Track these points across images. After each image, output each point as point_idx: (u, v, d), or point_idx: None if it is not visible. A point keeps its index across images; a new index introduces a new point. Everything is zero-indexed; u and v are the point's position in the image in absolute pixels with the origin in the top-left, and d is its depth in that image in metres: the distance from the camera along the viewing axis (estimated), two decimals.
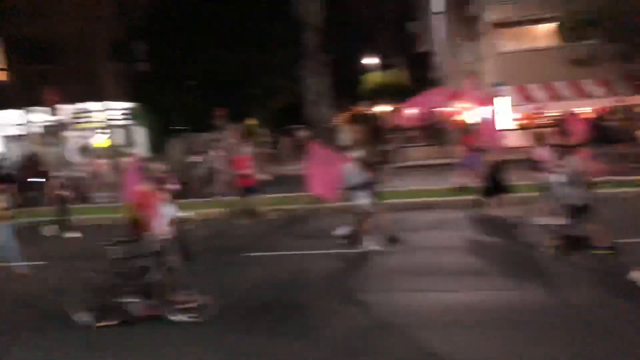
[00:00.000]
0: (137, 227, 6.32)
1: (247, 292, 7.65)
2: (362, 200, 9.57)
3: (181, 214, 7.19)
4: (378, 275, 8.33)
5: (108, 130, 28.20)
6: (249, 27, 28.00)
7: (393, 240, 9.74)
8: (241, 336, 5.97)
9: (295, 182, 12.51)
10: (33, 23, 26.38)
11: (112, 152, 23.52)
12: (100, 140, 29.21)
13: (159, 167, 12.26)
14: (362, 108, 59.09)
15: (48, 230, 11.85)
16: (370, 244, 9.54)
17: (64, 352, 5.81)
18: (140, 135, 30.86)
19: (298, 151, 12.68)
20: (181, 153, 29.65)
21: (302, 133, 33.48)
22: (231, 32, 27.80)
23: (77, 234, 11.94)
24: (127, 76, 29.54)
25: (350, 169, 9.61)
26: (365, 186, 9.53)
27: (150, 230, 6.19)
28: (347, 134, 29.68)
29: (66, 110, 25.05)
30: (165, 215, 6.43)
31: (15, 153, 28.71)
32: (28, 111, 27.65)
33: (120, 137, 29.92)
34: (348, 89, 45.97)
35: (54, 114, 22.06)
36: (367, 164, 9.63)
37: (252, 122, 35.21)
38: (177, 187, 9.92)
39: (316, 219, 12.35)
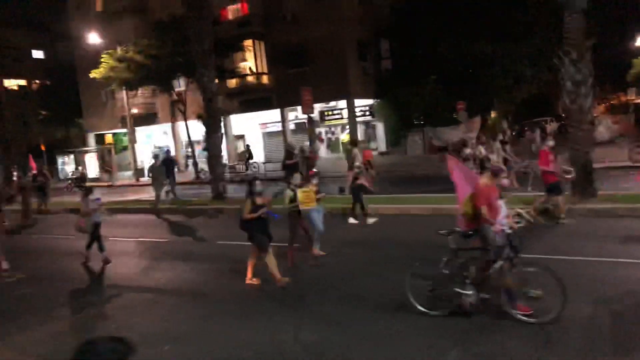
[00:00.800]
0: (475, 220, 6.34)
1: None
2: None
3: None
4: None
5: (350, 126, 29.92)
6: (495, 17, 26.50)
7: None
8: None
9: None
10: (290, 31, 29.53)
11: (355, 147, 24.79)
12: (345, 136, 31.24)
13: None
14: (627, 97, 51.14)
15: (351, 218, 12.13)
16: None
17: (400, 338, 5.76)
18: (380, 130, 32.03)
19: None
20: (419, 147, 29.91)
21: (551, 125, 30.27)
22: (474, 24, 26.70)
23: (375, 219, 12.04)
24: (371, 74, 30.87)
25: None
26: None
27: (488, 223, 6.18)
28: (606, 127, 25.74)
29: (316, 108, 27.48)
30: (501, 210, 6.30)
31: (273, 148, 32.99)
32: (285, 110, 31.28)
33: (361, 133, 31.52)
34: (612, 75, 40.18)
35: (306, 112, 24.20)
36: None
37: (494, 114, 33.36)
38: (507, 182, 9.63)
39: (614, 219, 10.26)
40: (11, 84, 43.41)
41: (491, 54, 26.95)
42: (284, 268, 8.15)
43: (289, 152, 18.78)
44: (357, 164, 13.16)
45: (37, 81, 47.80)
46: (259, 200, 7.89)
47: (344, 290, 7.35)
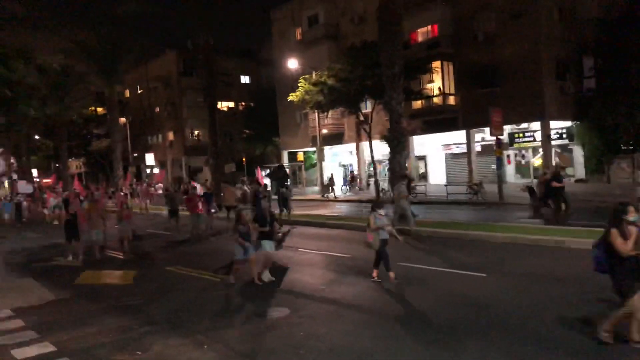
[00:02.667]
0: None
1: None
2: None
3: None
4: None
5: (543, 149, 27.70)
6: None
7: None
8: None
9: None
10: (481, 50, 28.63)
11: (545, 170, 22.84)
12: (537, 159, 29.04)
13: None
14: None
15: None
16: None
17: None
18: (578, 154, 29.05)
19: None
20: (626, 175, 26.33)
21: None
22: None
23: None
24: (570, 94, 28.28)
25: None
26: None
27: None
28: None
29: (505, 130, 26.06)
30: None
31: (457, 170, 32.13)
32: (471, 131, 30.28)
33: (555, 156, 28.96)
34: None
35: (494, 134, 23.11)
36: None
37: None
38: None
39: None
40: (222, 105, 49.73)
41: None
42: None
43: (555, 174, 16.19)
44: None
45: (243, 103, 53.92)
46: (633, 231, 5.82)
47: (530, 328, 6.76)
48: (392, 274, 9.43)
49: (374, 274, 9.84)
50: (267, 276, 10.38)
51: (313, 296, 9.20)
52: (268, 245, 10.47)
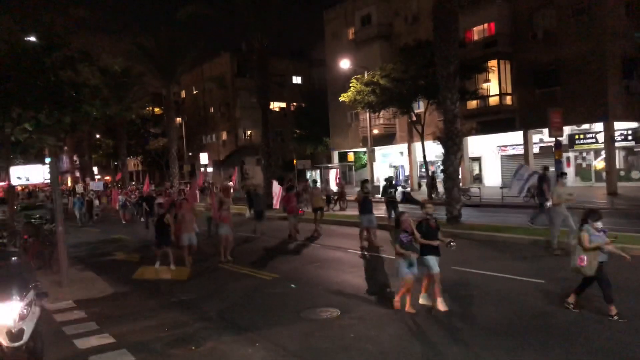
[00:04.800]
0: None
1: None
2: None
3: None
4: None
5: (605, 152, 26.38)
6: None
7: None
8: None
9: None
10: (540, 49, 27.60)
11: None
12: (599, 162, 27.74)
13: None
14: None
15: None
16: None
17: None
18: None
19: None
20: None
21: None
22: None
23: None
24: (637, 93, 26.80)
25: None
26: None
27: None
28: None
29: (565, 131, 25.00)
30: None
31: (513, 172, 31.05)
32: (529, 132, 29.25)
33: (620, 160, 27.55)
34: None
35: (552, 135, 22.20)
36: None
37: None
38: None
39: None
40: (274, 105, 50.30)
41: None
42: None
43: None
44: None
45: (295, 104, 54.39)
46: None
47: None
48: (613, 308, 7.07)
49: (611, 309, 7.08)
50: (443, 305, 7.92)
51: (365, 299, 9.11)
52: (433, 263, 8.07)
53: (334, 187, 28.93)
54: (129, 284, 11.40)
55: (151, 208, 19.78)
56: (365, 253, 13.44)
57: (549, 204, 12.96)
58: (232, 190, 28.73)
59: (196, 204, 17.34)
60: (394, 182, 18.99)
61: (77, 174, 54.14)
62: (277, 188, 21.24)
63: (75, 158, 62.05)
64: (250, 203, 19.50)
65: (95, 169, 64.20)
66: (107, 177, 62.44)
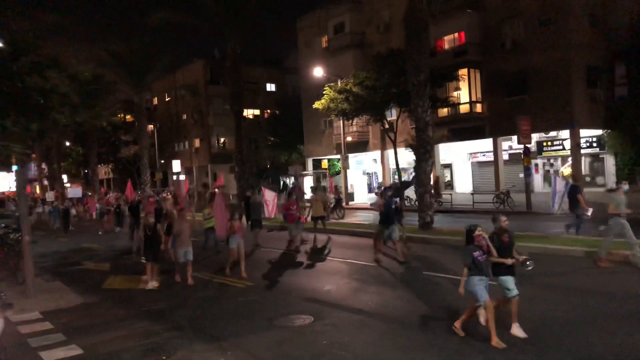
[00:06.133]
0: None
1: None
2: None
3: None
4: None
5: (572, 159, 27.10)
6: None
7: None
8: None
9: None
10: (509, 58, 28.25)
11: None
12: (566, 168, 28.44)
13: None
14: None
15: None
16: None
17: None
18: (609, 164, 28.34)
19: None
20: None
21: None
22: None
23: None
24: (601, 102, 27.65)
25: None
26: None
27: None
28: None
29: (533, 138, 25.62)
30: None
31: (484, 178, 31.69)
32: (499, 140, 29.85)
33: (586, 166, 28.33)
34: None
35: (521, 142, 22.76)
36: None
37: None
38: None
39: None
40: (248, 113, 50.14)
41: None
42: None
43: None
44: None
45: (268, 111, 54.31)
46: None
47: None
48: None
49: None
50: (520, 331, 6.87)
51: (339, 305, 9.12)
52: (512, 285, 6.89)
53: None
54: (98, 293, 11.17)
55: (137, 217, 17.80)
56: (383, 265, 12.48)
57: (588, 213, 13.03)
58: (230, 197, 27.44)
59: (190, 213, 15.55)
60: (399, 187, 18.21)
61: (46, 182, 53.03)
62: (270, 195, 18.55)
63: (43, 166, 60.71)
64: (247, 212, 18.29)
65: (64, 177, 62.79)
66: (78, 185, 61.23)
